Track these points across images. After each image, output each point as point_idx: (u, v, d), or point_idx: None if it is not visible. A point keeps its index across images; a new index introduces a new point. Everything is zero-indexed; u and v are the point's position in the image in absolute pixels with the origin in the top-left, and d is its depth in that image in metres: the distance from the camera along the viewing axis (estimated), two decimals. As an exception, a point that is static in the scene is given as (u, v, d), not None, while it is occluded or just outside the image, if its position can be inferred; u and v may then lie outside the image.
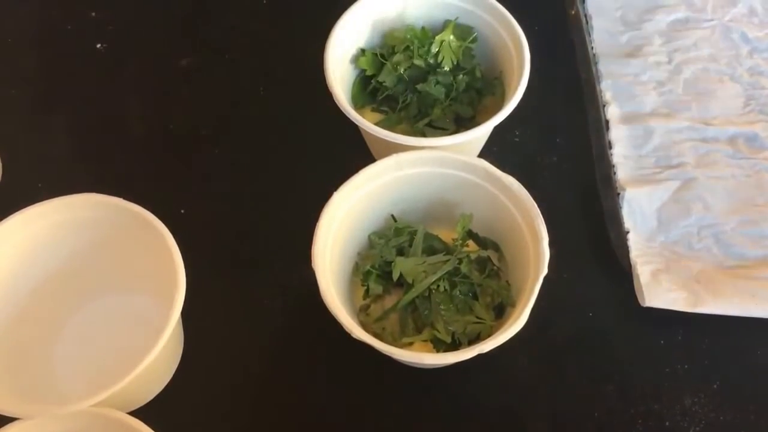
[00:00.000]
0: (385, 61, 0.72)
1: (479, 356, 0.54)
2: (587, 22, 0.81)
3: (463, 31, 0.73)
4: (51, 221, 0.61)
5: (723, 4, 0.83)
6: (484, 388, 0.64)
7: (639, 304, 0.65)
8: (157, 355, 0.54)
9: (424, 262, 0.62)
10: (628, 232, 0.68)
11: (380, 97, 0.73)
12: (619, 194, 0.70)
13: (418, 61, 0.71)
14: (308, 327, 0.65)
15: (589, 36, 0.80)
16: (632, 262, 0.66)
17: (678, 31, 0.81)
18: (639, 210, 0.69)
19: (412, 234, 0.64)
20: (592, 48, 0.80)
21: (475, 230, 0.65)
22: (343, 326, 0.55)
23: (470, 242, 0.65)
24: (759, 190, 0.71)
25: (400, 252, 0.64)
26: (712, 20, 0.82)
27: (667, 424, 0.62)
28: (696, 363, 0.64)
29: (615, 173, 0.71)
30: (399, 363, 0.62)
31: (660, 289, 0.64)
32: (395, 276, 0.62)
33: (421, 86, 0.71)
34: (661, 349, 0.65)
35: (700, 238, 0.68)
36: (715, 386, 0.63)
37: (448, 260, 0.62)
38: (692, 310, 0.63)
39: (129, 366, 0.53)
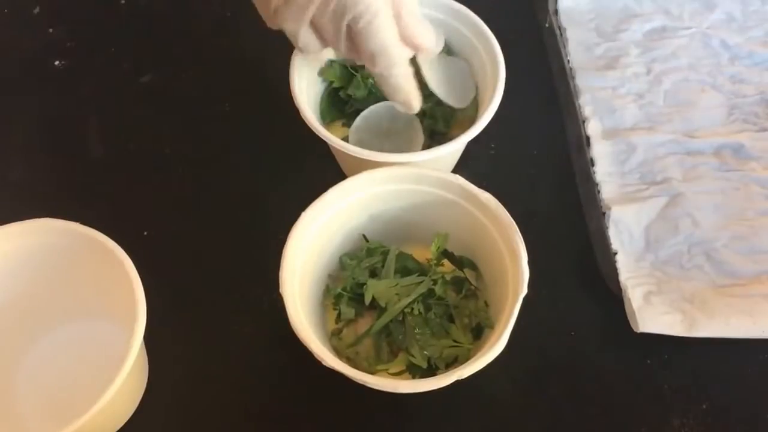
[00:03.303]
0: (355, 74, 0.70)
1: (458, 381, 0.52)
2: (561, 35, 0.80)
3: (436, 43, 0.71)
4: (4, 249, 0.58)
5: (700, 10, 0.82)
6: (464, 413, 0.62)
7: (623, 323, 0.63)
8: (118, 389, 0.52)
9: (397, 284, 0.60)
10: (615, 254, 0.66)
11: (349, 111, 0.71)
12: (604, 214, 0.68)
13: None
14: (280, 352, 0.63)
15: (564, 49, 0.79)
16: (622, 286, 0.64)
17: (655, 40, 0.80)
18: (626, 230, 0.67)
19: (385, 254, 0.62)
20: (568, 61, 0.78)
21: (451, 248, 0.63)
22: (314, 354, 0.53)
23: (446, 261, 0.63)
24: (748, 203, 0.69)
25: (373, 273, 0.62)
26: (690, 28, 0.80)
27: (655, 447, 0.60)
28: (683, 383, 0.63)
29: (599, 191, 0.69)
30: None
31: (653, 313, 0.62)
32: (367, 300, 0.60)
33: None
34: (648, 369, 0.63)
35: (690, 256, 0.66)
36: (703, 407, 0.62)
37: (422, 281, 0.60)
38: (688, 334, 0.61)
39: (92, 398, 0.51)
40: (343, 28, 0.57)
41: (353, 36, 0.57)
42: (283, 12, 0.58)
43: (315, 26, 0.58)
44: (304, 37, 0.59)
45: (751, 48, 0.79)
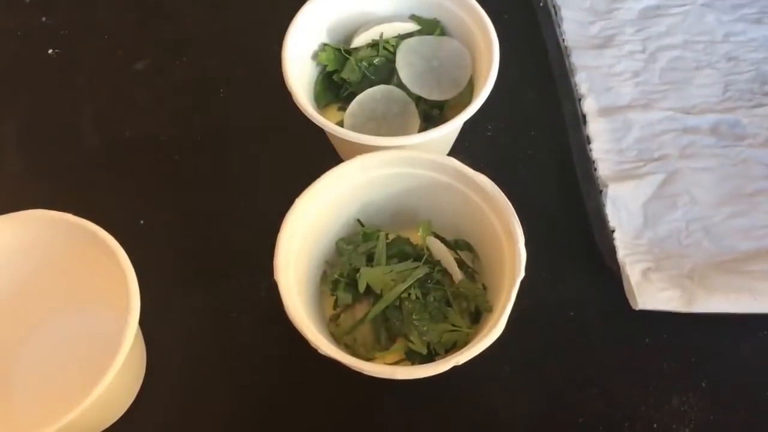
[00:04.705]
0: (348, 57, 0.69)
1: (457, 366, 0.52)
2: (556, 13, 0.79)
3: (429, 24, 0.70)
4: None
5: (695, -14, 0.81)
6: (464, 397, 0.62)
7: (622, 302, 0.63)
8: (114, 378, 0.52)
9: (392, 270, 0.59)
10: (613, 231, 0.65)
11: (344, 95, 0.70)
12: (601, 191, 0.67)
13: (382, 57, 0.68)
14: (278, 339, 0.63)
15: (559, 27, 0.78)
16: (621, 263, 0.64)
17: (650, 18, 0.79)
18: (624, 207, 0.66)
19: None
20: (564, 40, 0.77)
21: (447, 232, 0.63)
22: (310, 342, 0.52)
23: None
24: (746, 178, 0.69)
25: (370, 258, 0.61)
26: (684, 5, 0.80)
27: (655, 426, 0.60)
28: (683, 362, 0.63)
29: (596, 169, 0.69)
30: (374, 375, 0.59)
31: (652, 290, 0.62)
32: (361, 288, 0.59)
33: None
34: (647, 348, 0.63)
35: (689, 232, 0.66)
36: (703, 384, 0.62)
37: (417, 267, 0.60)
38: (687, 309, 0.61)
39: (89, 388, 0.51)
40: None
41: None
42: None
43: None
44: None
45: (745, 25, 0.78)
